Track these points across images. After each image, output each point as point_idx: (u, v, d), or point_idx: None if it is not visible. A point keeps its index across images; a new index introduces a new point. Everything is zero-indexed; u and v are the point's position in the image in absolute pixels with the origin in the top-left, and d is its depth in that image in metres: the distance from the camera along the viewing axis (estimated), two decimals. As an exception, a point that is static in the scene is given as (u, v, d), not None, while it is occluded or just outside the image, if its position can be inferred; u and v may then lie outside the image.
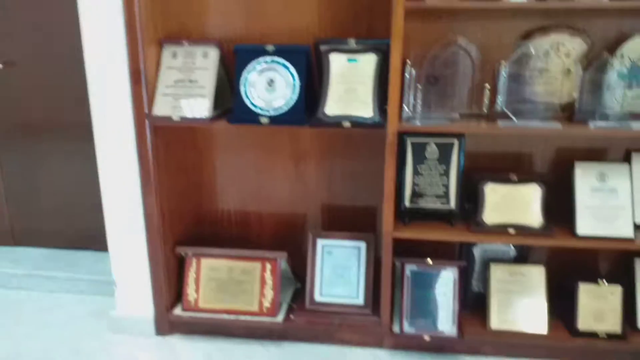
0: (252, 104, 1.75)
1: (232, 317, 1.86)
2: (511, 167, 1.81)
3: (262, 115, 1.73)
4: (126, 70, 1.73)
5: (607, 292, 1.71)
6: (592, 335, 1.72)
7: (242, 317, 1.86)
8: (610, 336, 1.71)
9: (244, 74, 1.76)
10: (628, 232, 1.64)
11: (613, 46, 1.67)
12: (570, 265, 1.84)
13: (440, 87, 1.76)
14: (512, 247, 1.84)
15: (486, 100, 1.70)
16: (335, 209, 2.02)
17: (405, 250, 1.80)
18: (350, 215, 2.00)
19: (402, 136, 1.74)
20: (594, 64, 1.65)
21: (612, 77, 1.64)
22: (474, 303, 1.84)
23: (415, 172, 1.77)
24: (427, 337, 1.73)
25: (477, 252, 1.86)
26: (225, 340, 1.90)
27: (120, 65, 1.73)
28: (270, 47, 1.75)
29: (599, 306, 1.72)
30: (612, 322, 1.71)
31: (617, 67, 1.64)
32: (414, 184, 1.78)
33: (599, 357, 1.74)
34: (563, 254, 1.85)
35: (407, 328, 1.76)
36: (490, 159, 1.84)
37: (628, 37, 1.65)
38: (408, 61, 1.69)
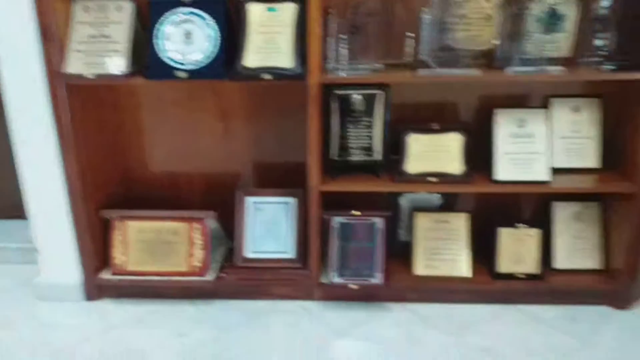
0: (169, 58, 1.67)
1: (162, 278, 1.84)
2: (436, 117, 1.81)
3: (179, 70, 1.66)
4: (35, 27, 1.62)
5: (525, 235, 1.77)
6: (512, 277, 1.78)
7: (173, 278, 1.84)
8: (529, 277, 1.78)
9: (159, 26, 1.68)
10: (543, 176, 1.68)
11: (534, -10, 1.67)
12: (494, 212, 1.88)
13: (364, 37, 1.72)
14: (439, 196, 1.87)
15: (409, 49, 1.69)
16: (266, 165, 1.99)
17: (337, 203, 1.80)
18: (282, 172, 1.97)
19: (327, 88, 1.71)
20: (513, 9, 1.65)
21: (531, 22, 1.65)
22: (401, 252, 1.87)
23: (342, 125, 1.76)
24: (354, 286, 1.76)
25: (404, 202, 1.88)
26: (157, 302, 1.87)
27: (29, 21, 1.62)
28: (186, -2, 1.68)
29: (518, 249, 1.78)
30: (530, 264, 1.78)
31: (536, 12, 1.65)
32: (341, 137, 1.76)
33: (519, 298, 1.81)
34: (487, 200, 1.90)
35: (336, 279, 1.78)
36: (416, 110, 1.84)
37: (546, -19, 1.66)
38: (330, 10, 1.65)
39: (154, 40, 1.67)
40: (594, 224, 1.81)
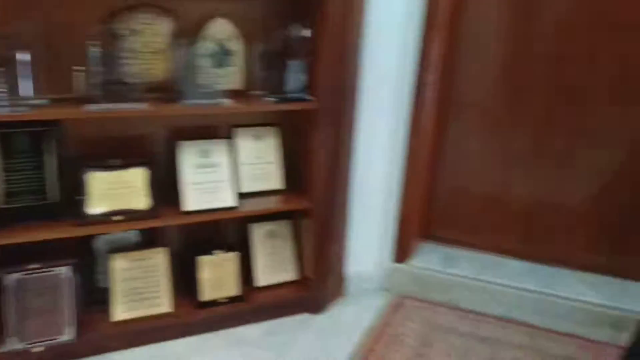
0: None
1: None
2: (122, 151, 1.72)
3: None
4: None
5: (224, 260, 1.83)
6: (215, 303, 1.80)
7: None
8: (232, 299, 1.83)
9: None
10: (230, 202, 1.76)
11: (202, 26, 1.73)
12: (195, 241, 1.89)
13: (22, 70, 1.55)
14: (136, 233, 1.79)
15: (77, 83, 1.58)
16: None
17: (17, 255, 1.56)
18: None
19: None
20: (184, 43, 1.70)
21: (202, 56, 1.72)
22: (101, 299, 1.72)
23: (6, 168, 1.55)
24: (39, 349, 1.55)
25: (98, 244, 1.74)
26: None
27: None
28: None
29: (219, 275, 1.82)
30: (231, 287, 1.83)
31: (206, 47, 1.73)
32: (6, 182, 1.55)
33: (224, 322, 1.83)
34: (188, 231, 1.89)
35: (16, 344, 1.53)
36: (100, 145, 1.71)
37: (213, 18, 1.73)
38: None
39: None
40: (286, 239, 1.98)
